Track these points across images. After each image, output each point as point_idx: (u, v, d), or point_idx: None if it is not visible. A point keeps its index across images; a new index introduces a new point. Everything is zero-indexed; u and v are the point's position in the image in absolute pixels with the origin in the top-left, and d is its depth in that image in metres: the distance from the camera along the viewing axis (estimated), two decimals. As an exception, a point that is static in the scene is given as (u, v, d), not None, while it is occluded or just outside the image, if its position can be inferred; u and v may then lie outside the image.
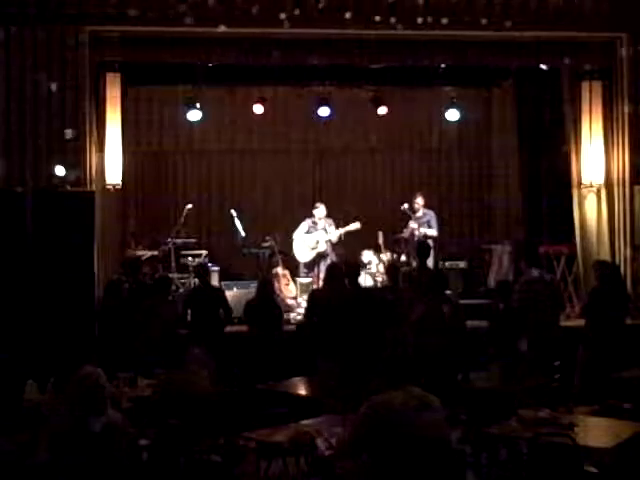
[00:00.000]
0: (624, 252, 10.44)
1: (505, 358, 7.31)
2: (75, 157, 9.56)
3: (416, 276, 8.60)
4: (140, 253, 11.05)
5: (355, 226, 11.29)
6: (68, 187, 9.29)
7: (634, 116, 10.41)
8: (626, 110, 10.42)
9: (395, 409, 4.43)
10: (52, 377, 6.18)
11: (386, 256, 11.37)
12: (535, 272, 8.40)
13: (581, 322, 8.57)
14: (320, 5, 9.63)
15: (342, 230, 11.30)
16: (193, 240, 11.64)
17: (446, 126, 13.12)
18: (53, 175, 9.44)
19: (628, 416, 5.76)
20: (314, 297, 8.16)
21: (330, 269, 8.27)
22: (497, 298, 8.11)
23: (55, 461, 4.57)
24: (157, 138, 13.23)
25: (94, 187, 9.68)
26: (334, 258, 11.12)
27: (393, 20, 9.77)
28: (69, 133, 9.38)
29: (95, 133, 9.94)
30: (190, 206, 11.36)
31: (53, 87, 9.44)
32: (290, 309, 10.62)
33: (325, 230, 11.30)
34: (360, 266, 8.39)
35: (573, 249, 10.92)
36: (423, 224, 11.23)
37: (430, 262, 10.05)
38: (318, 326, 7.69)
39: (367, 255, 11.54)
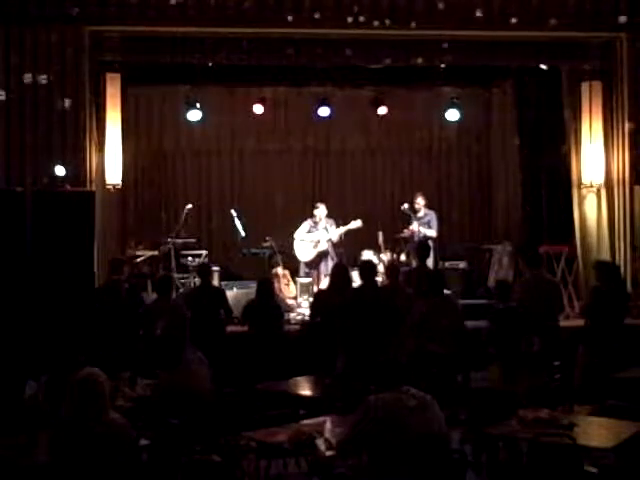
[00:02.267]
0: (624, 252, 10.44)
1: (505, 358, 7.31)
2: (75, 157, 9.58)
3: (416, 276, 8.60)
4: (140, 253, 11.05)
5: (356, 224, 11.29)
6: (68, 187, 9.28)
7: (634, 116, 10.41)
8: (626, 110, 10.43)
9: (393, 409, 4.43)
10: (45, 375, 6.16)
11: (386, 256, 11.36)
12: (535, 272, 8.40)
13: (581, 322, 8.57)
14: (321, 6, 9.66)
15: (344, 229, 11.30)
16: (193, 240, 11.63)
17: (446, 126, 13.13)
18: (53, 175, 9.44)
19: (628, 416, 5.75)
20: (318, 298, 8.20)
21: (333, 269, 8.29)
22: (497, 298, 8.11)
23: (55, 462, 4.58)
24: (157, 138, 13.24)
25: (94, 187, 9.68)
26: (334, 257, 11.13)
27: (393, 20, 9.78)
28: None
29: (95, 133, 9.94)
30: (190, 206, 11.35)
31: (53, 84, 9.46)
32: (290, 309, 10.62)
33: (326, 230, 11.31)
34: (374, 265, 8.42)
35: (573, 249, 10.93)
36: (424, 224, 11.23)
37: (430, 262, 10.06)
38: (328, 327, 7.72)
39: (367, 255, 11.51)
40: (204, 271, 9.23)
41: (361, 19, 9.73)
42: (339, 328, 7.80)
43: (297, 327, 9.63)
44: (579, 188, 10.80)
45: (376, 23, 9.75)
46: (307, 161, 13.67)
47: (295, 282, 11.41)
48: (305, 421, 5.62)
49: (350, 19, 9.73)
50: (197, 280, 9.72)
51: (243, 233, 11.47)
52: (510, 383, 6.86)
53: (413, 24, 9.79)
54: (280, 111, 13.09)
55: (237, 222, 11.52)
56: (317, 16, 9.68)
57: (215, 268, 10.96)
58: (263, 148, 13.34)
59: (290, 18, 9.65)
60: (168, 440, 5.65)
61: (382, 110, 12.57)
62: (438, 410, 4.61)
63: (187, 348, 6.54)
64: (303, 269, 11.52)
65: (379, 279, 11.02)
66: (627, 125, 10.37)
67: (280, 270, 11.46)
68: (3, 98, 9.37)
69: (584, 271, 10.63)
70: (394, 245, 11.61)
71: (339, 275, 8.10)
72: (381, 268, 11.17)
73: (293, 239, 11.44)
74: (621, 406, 6.06)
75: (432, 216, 11.40)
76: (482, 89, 13.37)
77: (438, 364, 7.12)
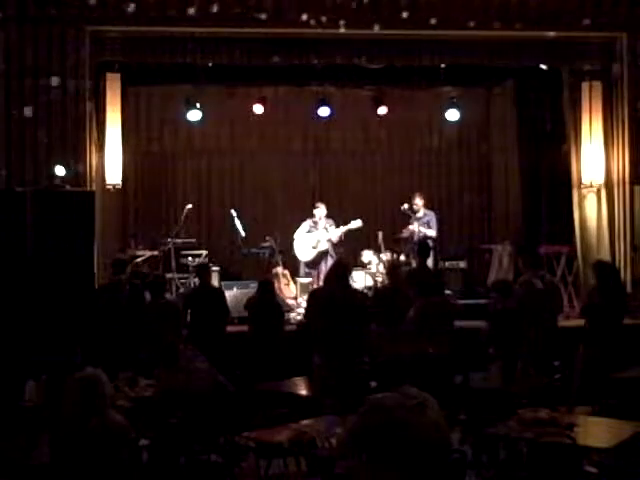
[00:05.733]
0: (624, 252, 10.44)
1: (505, 358, 7.31)
2: (75, 157, 9.58)
3: (415, 276, 8.60)
4: (140, 253, 11.05)
5: (357, 224, 11.30)
6: (68, 187, 9.29)
7: (634, 116, 10.42)
8: (626, 110, 10.43)
9: (393, 409, 4.43)
10: (44, 377, 6.16)
11: (386, 256, 11.36)
12: (534, 272, 8.39)
13: (581, 322, 8.57)
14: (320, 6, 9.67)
15: (344, 228, 11.30)
16: (193, 240, 11.63)
17: (446, 126, 13.13)
18: (53, 175, 9.45)
19: (628, 416, 5.76)
20: (312, 296, 8.18)
21: (331, 268, 8.29)
22: (496, 298, 8.10)
23: (55, 462, 4.58)
24: (157, 138, 13.23)
25: (94, 187, 9.68)
26: (334, 257, 11.13)
27: (393, 20, 9.78)
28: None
29: (95, 133, 9.94)
30: (190, 206, 11.35)
31: (53, 84, 9.47)
32: (290, 309, 10.62)
33: (326, 229, 11.31)
34: (349, 266, 8.42)
35: (573, 249, 10.93)
36: (423, 224, 11.24)
37: (430, 262, 10.06)
38: (315, 324, 7.71)
39: (367, 255, 11.54)
40: (202, 271, 9.23)
41: (360, 19, 9.73)
42: (312, 328, 7.81)
43: (295, 327, 9.63)
44: (579, 188, 10.80)
45: (376, 23, 9.75)
46: (307, 161, 13.67)
47: (295, 282, 11.42)
48: (305, 421, 5.62)
49: (350, 19, 9.74)
50: (196, 280, 9.72)
51: (243, 233, 11.47)
52: (510, 383, 6.86)
53: (413, 24, 9.80)
54: (280, 111, 13.08)
55: (237, 222, 11.52)
56: (317, 16, 9.67)
57: (215, 268, 10.97)
58: (263, 148, 13.34)
59: (290, 18, 9.66)
60: (168, 440, 5.66)
61: (382, 110, 12.58)
62: (438, 410, 4.61)
63: (186, 348, 6.55)
64: (303, 269, 11.53)
65: (379, 279, 11.10)
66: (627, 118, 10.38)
67: (280, 270, 11.46)
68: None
69: (584, 271, 10.63)
70: (394, 245, 11.61)
71: (332, 274, 8.09)
72: (381, 268, 11.21)
73: (293, 239, 11.44)
74: (621, 406, 6.06)
75: (431, 216, 11.41)
76: (482, 89, 13.37)
77: (435, 364, 7.12)
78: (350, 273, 8.07)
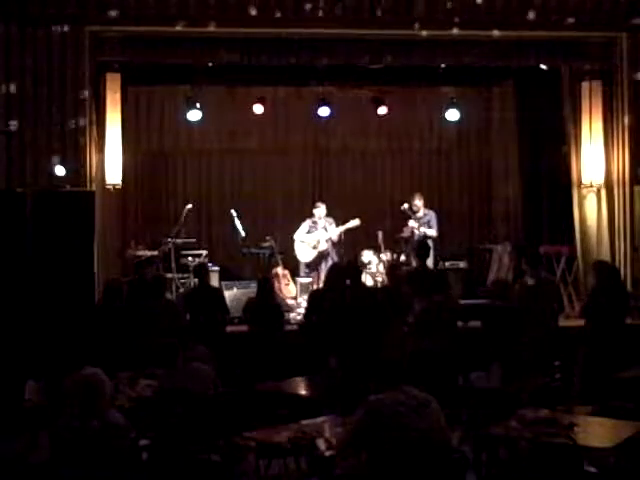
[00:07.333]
0: (624, 252, 10.44)
1: (505, 358, 7.31)
2: (75, 157, 9.58)
3: (416, 276, 8.60)
4: (140, 253, 11.04)
5: (355, 223, 11.30)
6: (68, 187, 9.29)
7: (634, 116, 10.42)
8: (626, 110, 10.43)
9: (393, 409, 4.44)
10: (45, 378, 6.16)
11: (386, 256, 11.37)
12: (536, 273, 8.39)
13: (581, 322, 8.57)
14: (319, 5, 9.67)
15: (342, 228, 11.31)
16: (193, 240, 11.63)
17: (446, 126, 13.12)
18: (53, 175, 9.45)
19: (628, 416, 5.76)
20: (314, 298, 8.18)
21: (331, 270, 8.29)
22: (494, 298, 8.10)
23: (55, 462, 4.58)
24: (157, 138, 13.22)
25: (94, 187, 9.68)
26: (335, 257, 11.13)
27: (393, 20, 9.79)
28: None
29: (95, 133, 9.94)
30: (190, 206, 11.35)
31: (53, 87, 9.49)
32: (290, 309, 10.62)
33: (325, 229, 11.31)
34: (361, 267, 8.43)
35: (573, 249, 10.93)
36: (423, 224, 11.24)
37: (430, 262, 10.05)
38: (321, 326, 7.70)
39: (367, 255, 11.54)
40: (200, 271, 9.21)
41: (361, 18, 9.74)
42: (330, 328, 7.79)
43: (296, 327, 9.62)
44: (579, 188, 10.80)
45: (376, 22, 9.76)
46: (307, 161, 13.66)
47: (295, 282, 11.42)
48: (305, 421, 5.62)
49: (351, 19, 9.75)
50: (196, 280, 9.72)
51: (243, 233, 11.46)
52: (510, 383, 6.85)
53: (414, 24, 9.81)
54: (280, 111, 13.08)
55: (237, 222, 11.52)
56: (317, 16, 9.68)
57: (215, 268, 10.96)
58: (263, 148, 13.33)
59: (290, 18, 9.66)
60: (168, 440, 5.65)
61: (382, 110, 12.58)
62: (438, 410, 4.61)
63: (187, 348, 6.55)
64: (303, 269, 11.53)
65: (379, 279, 11.10)
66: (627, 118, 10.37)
67: (280, 270, 11.46)
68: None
69: (584, 271, 10.63)
70: (394, 245, 11.61)
71: (333, 275, 8.09)
72: (381, 268, 11.21)
73: (293, 240, 11.44)
74: (621, 406, 6.06)
75: (432, 216, 11.41)
76: (482, 89, 13.37)
77: (434, 363, 7.12)
78: (360, 273, 8.07)
